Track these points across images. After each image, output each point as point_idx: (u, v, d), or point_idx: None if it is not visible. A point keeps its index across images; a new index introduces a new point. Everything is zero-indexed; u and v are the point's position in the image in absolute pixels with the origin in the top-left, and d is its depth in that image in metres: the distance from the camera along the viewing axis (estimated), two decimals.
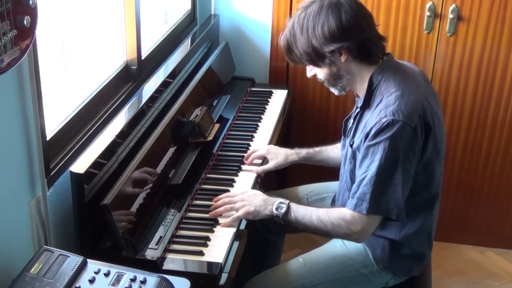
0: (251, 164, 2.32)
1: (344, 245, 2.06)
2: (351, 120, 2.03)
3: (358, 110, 1.97)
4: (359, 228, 1.83)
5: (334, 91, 2.02)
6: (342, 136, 2.13)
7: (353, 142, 1.95)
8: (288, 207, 1.93)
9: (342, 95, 2.06)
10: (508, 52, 2.84)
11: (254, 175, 2.25)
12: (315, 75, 2.01)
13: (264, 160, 2.34)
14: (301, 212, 1.92)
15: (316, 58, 1.90)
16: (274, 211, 1.93)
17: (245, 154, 2.37)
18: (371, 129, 1.82)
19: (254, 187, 2.18)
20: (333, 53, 1.87)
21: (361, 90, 1.96)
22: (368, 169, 1.82)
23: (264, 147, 2.38)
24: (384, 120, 1.79)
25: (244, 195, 2.00)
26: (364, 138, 1.85)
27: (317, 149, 2.35)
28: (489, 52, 2.86)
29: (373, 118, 1.84)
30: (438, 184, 1.97)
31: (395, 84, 1.87)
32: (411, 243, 1.98)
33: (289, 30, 1.92)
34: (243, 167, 2.30)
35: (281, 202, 1.94)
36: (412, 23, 2.87)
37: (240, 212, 1.95)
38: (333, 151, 2.32)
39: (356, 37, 1.86)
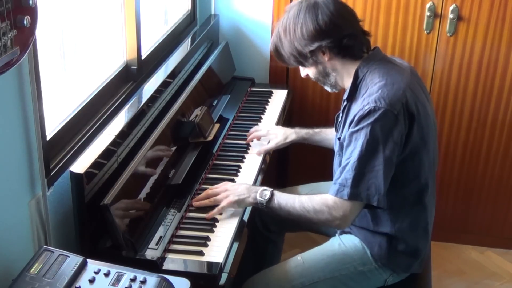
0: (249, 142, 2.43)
1: (342, 243, 2.06)
2: (340, 114, 2.05)
3: (345, 103, 2.00)
4: (340, 214, 1.85)
5: (327, 88, 2.08)
6: (335, 132, 2.14)
7: (341, 135, 1.97)
8: (272, 194, 1.95)
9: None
10: (508, 52, 2.84)
11: (254, 174, 2.25)
12: (307, 75, 2.06)
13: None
14: (284, 199, 1.94)
15: (301, 59, 1.98)
16: (258, 198, 1.95)
17: (245, 154, 2.38)
18: (354, 116, 1.85)
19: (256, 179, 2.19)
20: (313, 53, 1.93)
21: (349, 84, 1.99)
22: (350, 155, 1.85)
23: (264, 127, 2.47)
24: (366, 107, 1.83)
25: (227, 185, 2.03)
26: (348, 127, 1.88)
27: (316, 130, 2.42)
28: (489, 52, 2.86)
29: (357, 107, 1.87)
30: (427, 175, 1.97)
31: (379, 75, 1.90)
32: (407, 237, 1.99)
33: (276, 34, 2.01)
34: (246, 155, 2.36)
35: (265, 189, 1.97)
36: (412, 23, 2.87)
37: (224, 203, 1.97)
38: (332, 133, 2.34)
39: (334, 36, 1.91)
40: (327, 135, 2.39)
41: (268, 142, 2.43)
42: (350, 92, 1.96)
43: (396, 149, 1.84)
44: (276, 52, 2.03)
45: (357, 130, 1.84)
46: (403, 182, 1.91)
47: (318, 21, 1.90)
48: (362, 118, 1.83)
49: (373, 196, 1.83)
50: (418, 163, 1.93)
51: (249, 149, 2.42)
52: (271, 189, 1.97)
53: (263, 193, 1.96)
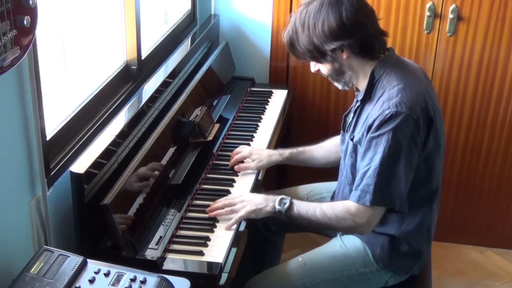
0: (233, 165, 2.28)
1: (343, 244, 2.06)
2: (351, 115, 2.04)
3: (358, 104, 1.98)
4: (364, 220, 1.84)
5: (338, 85, 2.03)
6: (341, 132, 2.13)
7: (354, 136, 1.96)
8: (291, 203, 1.93)
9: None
10: (508, 52, 2.84)
11: (253, 176, 2.25)
12: (318, 70, 2.01)
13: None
14: (304, 207, 1.92)
15: (318, 55, 1.91)
16: (277, 207, 1.93)
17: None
18: (373, 121, 1.83)
19: (253, 188, 2.18)
20: (334, 51, 1.88)
21: (362, 85, 1.96)
22: (371, 161, 1.82)
23: (247, 148, 2.34)
24: (387, 112, 1.80)
25: (243, 196, 2.00)
26: (366, 131, 1.86)
27: (300, 149, 2.33)
28: (489, 52, 2.86)
29: (375, 111, 1.85)
30: (438, 180, 1.97)
31: (397, 78, 1.88)
32: (410, 239, 1.98)
33: (292, 27, 1.93)
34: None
35: (283, 198, 1.95)
36: (412, 23, 2.87)
37: (242, 212, 1.94)
38: (317, 151, 2.31)
39: (357, 35, 1.86)
40: (312, 153, 2.31)
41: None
42: (365, 93, 1.93)
43: (416, 154, 1.84)
44: (291, 45, 1.95)
45: (378, 136, 1.81)
46: (415, 186, 1.89)
47: (342, 18, 1.83)
48: (383, 123, 1.80)
49: (396, 201, 1.82)
50: (431, 167, 1.92)
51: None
52: (289, 198, 1.95)
53: (282, 201, 1.94)
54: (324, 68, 1.97)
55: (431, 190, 1.97)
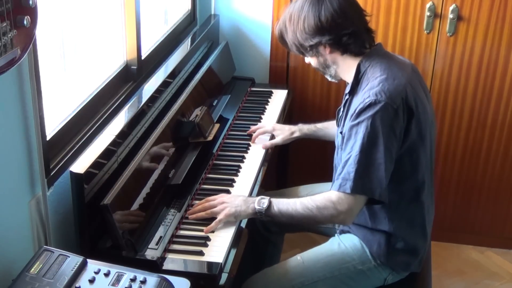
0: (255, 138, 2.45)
1: (342, 242, 2.06)
2: (342, 108, 2.06)
3: (346, 97, 2.01)
4: (345, 207, 1.84)
5: (327, 77, 2.10)
6: (337, 127, 2.14)
7: (343, 129, 1.97)
8: (270, 201, 1.93)
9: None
10: (508, 52, 2.84)
11: (254, 174, 2.25)
12: (310, 63, 2.08)
13: (271, 138, 2.47)
14: (284, 203, 1.93)
15: (302, 50, 2.00)
16: (257, 207, 1.93)
17: (245, 154, 2.37)
18: (354, 110, 1.86)
19: (253, 189, 2.18)
20: (312, 47, 1.95)
21: (350, 78, 2.00)
22: (352, 149, 1.85)
23: (269, 124, 2.51)
24: (367, 100, 1.83)
25: (224, 198, 2.00)
26: (349, 120, 1.89)
27: (319, 125, 2.47)
28: (489, 52, 2.86)
29: (357, 101, 1.88)
30: (424, 173, 1.98)
31: (380, 69, 1.91)
32: (405, 235, 1.99)
33: (282, 19, 2.03)
34: (246, 155, 2.36)
35: (262, 198, 1.96)
36: (412, 23, 2.87)
37: (221, 215, 1.93)
38: (335, 127, 2.33)
39: (334, 33, 1.92)
40: (330, 129, 2.42)
41: (270, 138, 2.47)
42: (352, 87, 1.97)
43: (395, 143, 1.85)
44: (281, 37, 2.05)
45: (357, 123, 1.84)
46: (400, 179, 1.91)
47: (320, 16, 1.90)
48: (362, 111, 1.83)
49: (375, 189, 1.83)
50: (416, 160, 1.93)
51: (249, 149, 2.42)
52: (268, 197, 1.95)
53: (261, 201, 1.94)
54: (312, 62, 2.05)
55: (417, 183, 1.97)
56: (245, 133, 2.53)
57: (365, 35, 1.97)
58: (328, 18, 1.90)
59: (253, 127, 2.52)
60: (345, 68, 1.99)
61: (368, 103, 1.82)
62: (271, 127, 2.50)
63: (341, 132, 1.99)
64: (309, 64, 2.07)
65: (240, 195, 2.04)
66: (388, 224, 1.97)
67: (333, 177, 2.15)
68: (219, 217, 1.93)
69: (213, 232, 1.91)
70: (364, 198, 1.86)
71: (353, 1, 1.98)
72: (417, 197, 1.99)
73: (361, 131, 1.83)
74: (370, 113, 1.82)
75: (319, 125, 2.46)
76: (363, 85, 1.92)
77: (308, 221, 1.93)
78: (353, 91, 1.97)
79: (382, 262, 2.01)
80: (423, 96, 1.96)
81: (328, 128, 2.43)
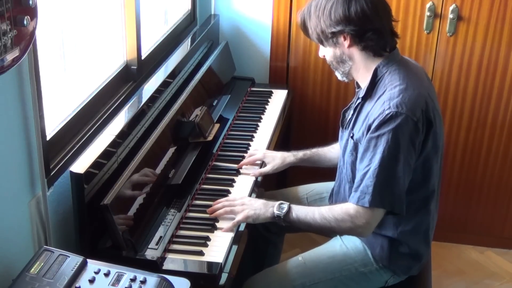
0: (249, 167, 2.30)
1: (343, 244, 2.06)
2: (351, 111, 2.04)
3: (359, 101, 1.98)
4: (363, 222, 1.84)
5: (338, 75, 2.05)
6: (340, 128, 2.13)
7: (353, 133, 1.96)
8: (289, 207, 1.93)
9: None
10: (508, 52, 2.84)
11: (253, 176, 2.25)
12: (324, 56, 2.04)
13: (262, 164, 2.34)
14: (303, 211, 1.93)
15: (322, 37, 1.96)
16: (276, 212, 1.93)
17: (245, 154, 2.37)
18: (373, 120, 1.83)
19: (253, 189, 2.18)
20: (334, 34, 1.91)
21: (363, 80, 1.97)
22: (370, 162, 1.83)
23: (260, 151, 2.37)
24: (387, 112, 1.81)
25: (244, 199, 2.00)
26: (366, 130, 1.86)
27: (313, 150, 2.36)
28: (489, 52, 2.86)
29: (375, 110, 1.85)
30: (435, 182, 1.97)
31: (399, 78, 1.88)
32: (409, 241, 1.99)
33: (308, 6, 2.00)
34: (241, 170, 2.29)
35: (282, 203, 1.95)
36: (412, 23, 2.87)
37: (240, 216, 1.94)
38: (330, 152, 2.33)
39: (360, 26, 1.88)
40: (326, 154, 2.34)
41: (261, 166, 2.33)
42: (366, 91, 1.94)
43: (414, 156, 1.84)
44: (303, 24, 2.01)
45: (378, 136, 1.82)
46: (411, 189, 1.89)
47: (349, 7, 1.88)
48: (383, 123, 1.81)
49: (395, 203, 1.83)
50: (428, 170, 1.92)
51: (249, 149, 2.42)
52: (288, 203, 1.95)
53: (281, 206, 1.94)
54: (328, 54, 2.01)
55: (428, 193, 1.97)
56: (245, 134, 2.53)
57: (389, 36, 1.94)
58: (357, 10, 1.87)
59: (244, 160, 2.33)
60: (360, 67, 1.96)
61: (389, 116, 1.80)
62: (262, 154, 2.33)
63: (351, 137, 1.97)
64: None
65: (260, 199, 2.02)
66: (392, 230, 1.97)
67: (336, 177, 2.15)
68: (238, 217, 1.94)
69: (214, 227, 1.91)
70: (382, 211, 1.85)
71: (385, 2, 1.96)
72: (426, 205, 1.98)
73: (381, 144, 1.81)
74: (391, 126, 1.80)
75: (314, 150, 2.35)
76: (379, 91, 1.90)
77: (325, 231, 1.93)
78: (367, 96, 1.94)
79: (384, 265, 2.01)
80: (438, 106, 1.95)
81: (324, 152, 2.34)
